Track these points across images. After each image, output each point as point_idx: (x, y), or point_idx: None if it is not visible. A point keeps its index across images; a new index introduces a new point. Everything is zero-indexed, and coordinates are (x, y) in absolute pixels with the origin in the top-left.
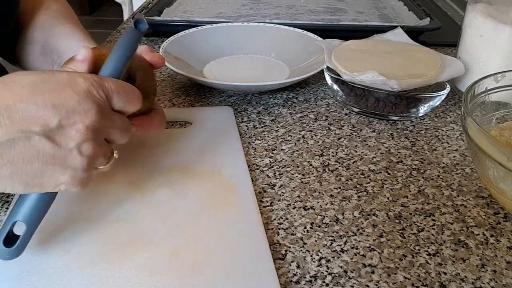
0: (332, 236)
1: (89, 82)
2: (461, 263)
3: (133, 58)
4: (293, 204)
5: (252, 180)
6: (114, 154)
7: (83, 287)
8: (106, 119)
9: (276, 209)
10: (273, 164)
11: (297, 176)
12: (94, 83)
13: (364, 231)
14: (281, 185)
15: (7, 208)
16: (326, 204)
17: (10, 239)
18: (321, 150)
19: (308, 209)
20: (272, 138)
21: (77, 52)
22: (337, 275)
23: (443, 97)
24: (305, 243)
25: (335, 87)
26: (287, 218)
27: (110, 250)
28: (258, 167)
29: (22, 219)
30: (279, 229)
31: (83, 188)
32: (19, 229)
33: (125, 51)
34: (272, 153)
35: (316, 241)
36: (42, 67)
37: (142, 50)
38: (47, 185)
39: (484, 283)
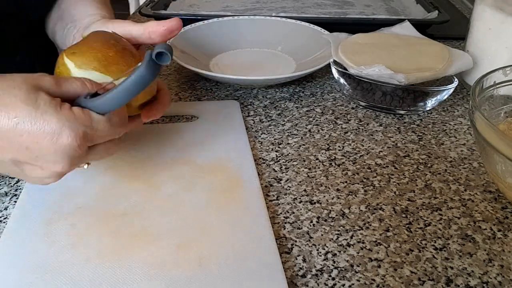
0: (339, 230)
1: (74, 138)
2: (468, 258)
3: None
4: (300, 198)
5: (259, 174)
6: (85, 167)
7: (91, 280)
8: (83, 155)
9: (283, 203)
10: (280, 158)
11: (303, 170)
12: (78, 140)
13: (370, 225)
14: (288, 179)
15: (15, 202)
16: (333, 198)
17: None
18: (328, 144)
19: (315, 203)
20: (278, 132)
21: (86, 22)
22: (343, 269)
23: (451, 91)
24: (311, 237)
25: (342, 81)
26: (293, 212)
27: (117, 243)
28: (264, 161)
29: None
30: (285, 223)
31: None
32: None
33: (136, 88)
34: (279, 147)
35: (322, 235)
36: (58, 32)
37: (153, 30)
38: (29, 180)
39: (491, 278)
